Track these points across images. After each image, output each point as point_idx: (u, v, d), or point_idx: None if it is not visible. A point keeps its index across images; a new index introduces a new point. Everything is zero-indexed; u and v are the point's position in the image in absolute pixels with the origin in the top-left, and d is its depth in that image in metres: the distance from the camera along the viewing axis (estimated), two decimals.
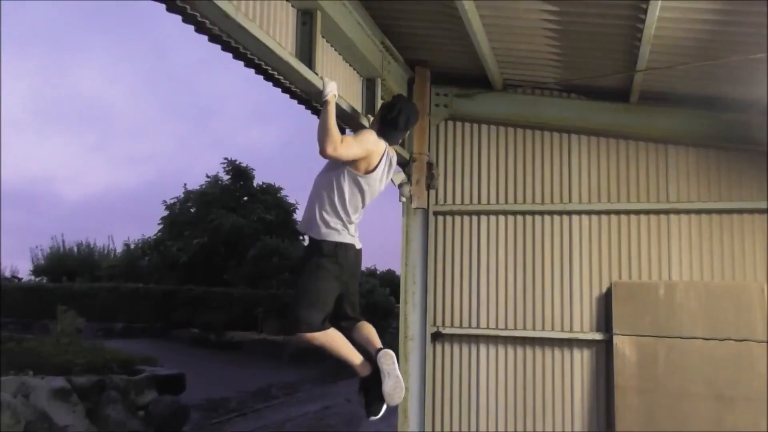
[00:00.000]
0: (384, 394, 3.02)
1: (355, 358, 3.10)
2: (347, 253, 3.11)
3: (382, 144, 3.20)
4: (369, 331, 3.19)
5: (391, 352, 3.07)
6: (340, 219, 3.09)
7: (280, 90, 3.57)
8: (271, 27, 3.15)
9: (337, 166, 3.13)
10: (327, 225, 3.07)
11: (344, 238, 3.10)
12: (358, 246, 3.20)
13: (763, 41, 3.51)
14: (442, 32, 4.43)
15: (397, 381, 3.02)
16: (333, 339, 3.04)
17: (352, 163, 3.09)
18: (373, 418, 3.12)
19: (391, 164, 3.29)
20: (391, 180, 3.47)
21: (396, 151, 3.47)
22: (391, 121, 3.27)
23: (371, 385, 3.07)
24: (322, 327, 3.00)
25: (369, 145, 3.10)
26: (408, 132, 3.62)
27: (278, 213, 20.96)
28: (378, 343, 3.14)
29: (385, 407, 3.11)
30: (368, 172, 3.14)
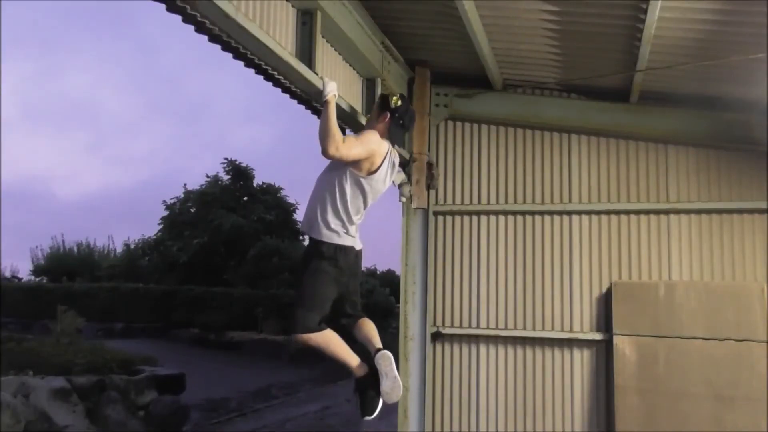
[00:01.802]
0: (382, 393, 3.05)
1: (352, 359, 3.12)
2: (347, 255, 3.12)
3: (385, 144, 3.21)
4: (369, 328, 3.22)
5: (388, 353, 3.09)
6: (341, 220, 3.10)
7: (280, 90, 3.57)
8: (271, 27, 3.15)
9: (339, 167, 3.12)
10: (328, 226, 3.08)
11: (344, 240, 3.11)
12: (359, 247, 3.20)
13: (763, 41, 3.51)
14: (442, 32, 4.43)
15: (394, 381, 3.04)
16: (329, 340, 3.06)
17: (355, 164, 3.08)
18: (367, 417, 3.15)
19: (394, 165, 3.30)
20: (392, 180, 3.47)
21: (396, 152, 3.47)
22: (399, 122, 3.28)
23: (367, 385, 3.10)
24: (318, 328, 3.03)
25: (372, 145, 3.10)
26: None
27: (278, 213, 20.95)
28: (378, 343, 3.16)
29: (380, 407, 3.13)
30: (371, 173, 3.13)
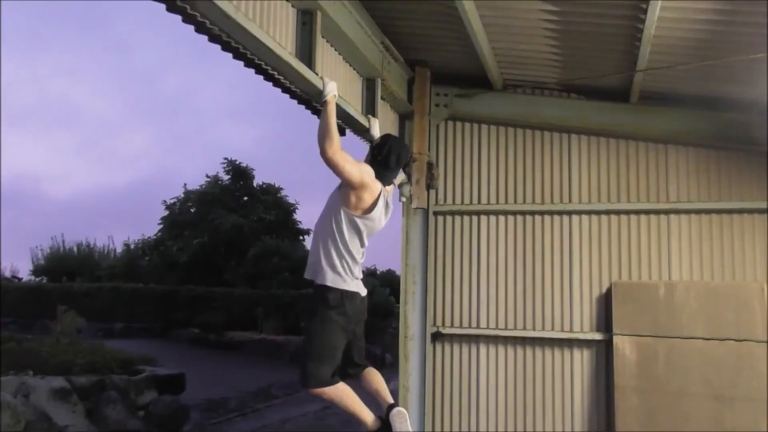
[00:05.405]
0: None
1: (366, 415, 3.08)
2: (353, 301, 3.07)
3: (378, 183, 3.12)
4: (377, 380, 3.19)
5: (403, 410, 3.06)
6: (345, 262, 3.05)
7: (279, 89, 3.58)
8: (271, 27, 3.16)
9: (333, 207, 3.08)
10: (333, 270, 3.03)
11: (350, 286, 3.06)
12: (363, 293, 3.16)
13: (763, 41, 3.51)
14: (442, 32, 4.43)
15: None
16: (343, 394, 3.03)
17: (347, 202, 3.03)
18: None
19: (388, 205, 3.24)
20: (387, 219, 3.41)
21: (389, 190, 3.41)
22: (382, 162, 3.19)
23: None
24: (332, 381, 3.00)
25: (365, 175, 3.01)
26: (400, 170, 3.58)
27: (278, 213, 20.94)
28: (388, 397, 3.14)
29: None
30: (366, 212, 3.07)
